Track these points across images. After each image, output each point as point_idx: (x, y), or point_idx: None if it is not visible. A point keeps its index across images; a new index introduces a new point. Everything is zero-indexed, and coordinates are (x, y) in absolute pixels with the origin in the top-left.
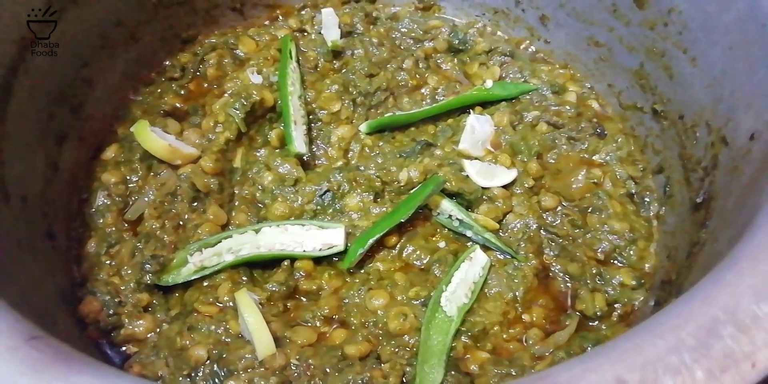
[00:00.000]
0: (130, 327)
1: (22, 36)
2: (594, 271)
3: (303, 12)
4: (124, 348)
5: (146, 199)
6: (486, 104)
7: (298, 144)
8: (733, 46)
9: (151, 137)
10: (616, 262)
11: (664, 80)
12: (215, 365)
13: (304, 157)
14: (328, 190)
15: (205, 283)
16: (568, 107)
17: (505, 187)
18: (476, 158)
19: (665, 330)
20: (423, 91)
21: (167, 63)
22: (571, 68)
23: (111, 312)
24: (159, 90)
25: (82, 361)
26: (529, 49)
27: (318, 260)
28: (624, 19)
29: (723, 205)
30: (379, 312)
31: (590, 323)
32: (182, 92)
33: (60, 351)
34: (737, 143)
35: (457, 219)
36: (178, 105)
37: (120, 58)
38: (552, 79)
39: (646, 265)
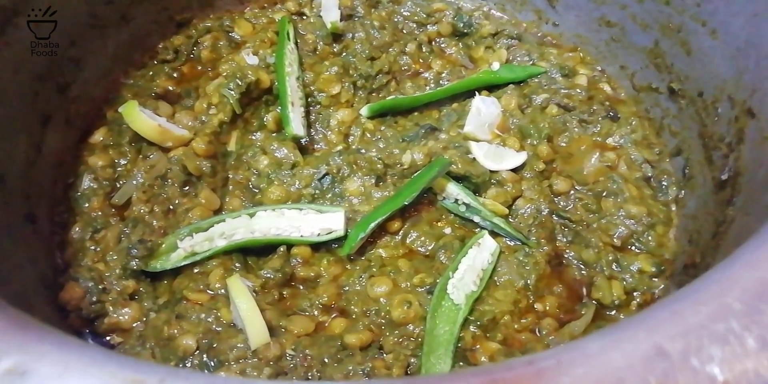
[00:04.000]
0: (115, 316)
1: (2, 5)
2: (610, 258)
3: None
4: (108, 338)
5: (135, 182)
6: (493, 88)
7: (296, 126)
8: (758, 13)
9: (141, 117)
10: (633, 248)
11: (681, 57)
12: (205, 355)
13: (302, 142)
14: (327, 174)
15: (196, 270)
16: (578, 90)
17: (514, 170)
18: (483, 141)
19: (707, 296)
20: (426, 75)
21: (160, 46)
22: (581, 51)
23: (94, 299)
24: (151, 73)
25: (42, 329)
26: (538, 33)
27: (316, 246)
28: None
29: (751, 178)
30: (381, 300)
31: (608, 313)
32: (175, 75)
33: (17, 318)
34: (766, 113)
35: (463, 203)
36: (170, 88)
37: (111, 40)
38: (561, 62)
39: (666, 251)
